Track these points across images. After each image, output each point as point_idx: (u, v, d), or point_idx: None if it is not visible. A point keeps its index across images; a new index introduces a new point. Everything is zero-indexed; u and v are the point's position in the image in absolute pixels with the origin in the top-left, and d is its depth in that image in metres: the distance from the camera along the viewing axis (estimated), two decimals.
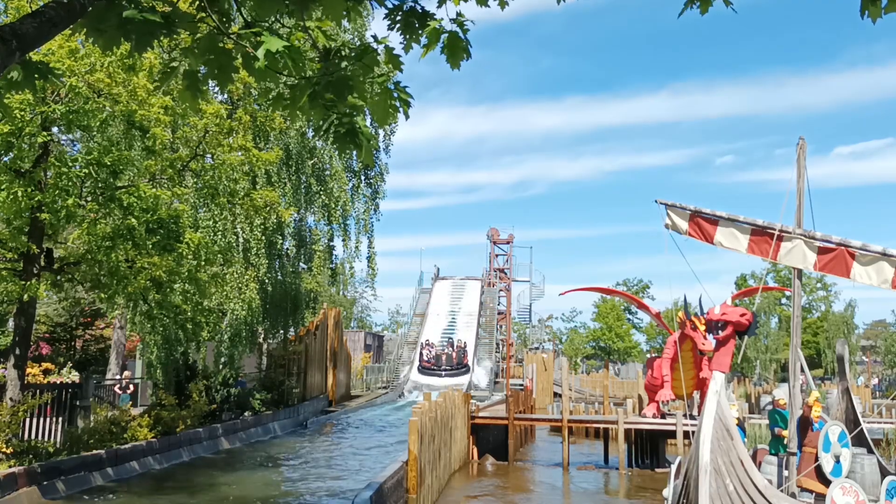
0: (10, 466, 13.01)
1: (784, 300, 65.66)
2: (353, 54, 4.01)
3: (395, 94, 4.11)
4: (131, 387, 22.00)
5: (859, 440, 13.70)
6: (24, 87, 4.53)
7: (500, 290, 55.33)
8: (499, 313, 54.22)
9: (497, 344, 51.69)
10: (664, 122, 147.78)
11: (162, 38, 3.86)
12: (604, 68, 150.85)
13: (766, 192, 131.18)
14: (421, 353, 49.13)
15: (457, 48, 4.16)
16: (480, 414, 25.29)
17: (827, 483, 12.13)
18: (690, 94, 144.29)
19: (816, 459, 12.25)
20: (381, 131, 28.49)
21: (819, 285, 69.38)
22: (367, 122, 4.31)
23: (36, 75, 4.55)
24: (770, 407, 15.25)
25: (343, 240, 27.90)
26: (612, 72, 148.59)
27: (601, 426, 26.18)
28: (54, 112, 13.14)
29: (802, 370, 12.88)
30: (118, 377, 23.34)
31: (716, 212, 12.96)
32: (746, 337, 12.31)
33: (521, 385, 41.48)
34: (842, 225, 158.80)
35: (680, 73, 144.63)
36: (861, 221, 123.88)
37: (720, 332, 11.83)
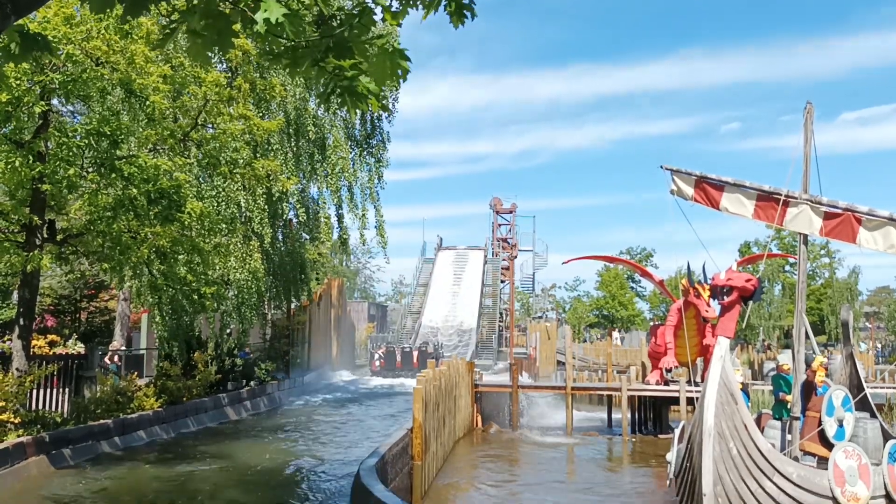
0: (18, 436, 13.11)
1: (788, 267, 65.67)
2: (351, 15, 3.96)
3: (393, 57, 4.04)
4: (116, 358, 22.10)
5: (862, 405, 13.75)
6: (22, 59, 4.48)
7: (504, 260, 55.25)
8: (502, 277, 53.97)
9: (500, 313, 51.77)
10: (669, 89, 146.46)
11: (158, 3, 3.82)
12: (608, 35, 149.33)
13: (772, 159, 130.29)
14: (373, 356, 45.07)
15: (459, 6, 4.09)
16: (484, 382, 25.42)
17: (830, 447, 12.19)
18: (695, 61, 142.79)
19: (820, 424, 12.30)
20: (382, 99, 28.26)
21: (823, 252, 69.33)
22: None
23: (34, 48, 4.50)
24: (774, 372, 15.30)
25: (349, 209, 27.81)
26: (617, 39, 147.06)
27: (605, 393, 26.30)
28: (52, 82, 13.03)
29: (807, 336, 12.88)
30: (111, 349, 23.48)
31: (721, 177, 12.88)
32: (752, 303, 12.31)
33: (525, 354, 41.72)
34: (848, 191, 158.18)
35: (685, 40, 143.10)
36: (868, 187, 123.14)
37: (725, 297, 11.81)
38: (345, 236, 28.87)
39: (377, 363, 43.48)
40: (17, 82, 12.44)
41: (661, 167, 13.08)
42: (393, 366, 42.69)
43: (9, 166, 12.85)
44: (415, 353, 42.80)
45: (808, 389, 12.82)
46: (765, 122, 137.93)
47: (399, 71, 4.03)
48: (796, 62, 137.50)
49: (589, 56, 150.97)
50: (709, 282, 18.46)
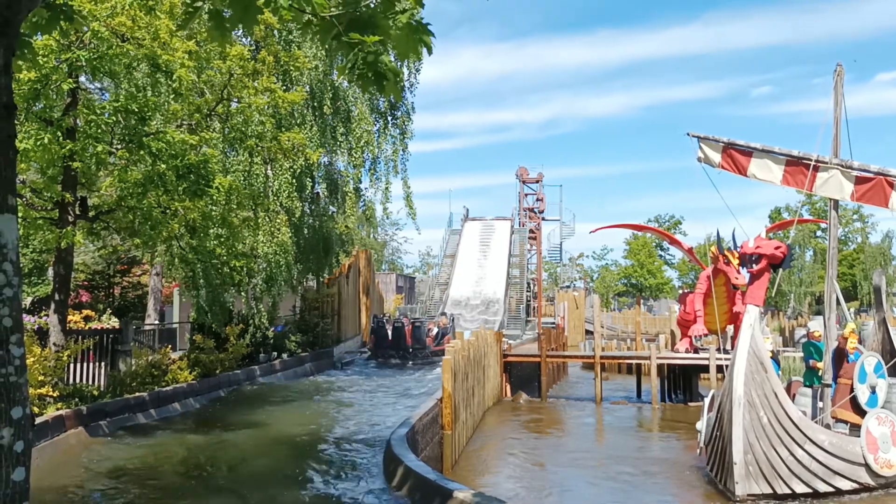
0: (57, 409, 13.43)
1: (819, 233, 64.76)
2: None
3: (417, 32, 4.04)
4: None
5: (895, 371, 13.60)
6: (49, 29, 4.55)
7: (530, 230, 55.07)
8: (529, 245, 53.79)
9: (528, 283, 51.75)
10: (697, 53, 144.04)
11: None
12: None
13: (805, 122, 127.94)
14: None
15: None
16: (513, 352, 25.53)
17: (862, 414, 12.10)
18: (725, 23, 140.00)
19: (852, 391, 12.21)
20: (405, 69, 28.12)
21: (856, 217, 68.20)
22: (392, 58, 4.26)
23: (61, 17, 4.55)
24: (805, 339, 15.17)
25: (370, 182, 27.88)
26: (643, 2, 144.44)
27: (634, 362, 26.28)
28: (79, 59, 13.12)
29: (838, 302, 12.73)
30: (155, 322, 23.90)
31: (749, 143, 12.69)
32: (781, 270, 12.19)
33: (553, 323, 41.72)
34: (886, 154, 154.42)
35: (712, 1, 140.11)
36: None
37: (754, 265, 11.71)
38: (370, 209, 28.98)
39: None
40: (45, 60, 12.55)
41: (688, 134, 12.93)
42: (384, 343, 33.92)
43: (39, 144, 13.01)
44: (407, 330, 33.88)
45: (840, 356, 12.71)
46: (797, 85, 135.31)
47: (423, 46, 4.03)
48: (830, 22, 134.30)
49: (614, 21, 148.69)
50: (738, 249, 18.29)
